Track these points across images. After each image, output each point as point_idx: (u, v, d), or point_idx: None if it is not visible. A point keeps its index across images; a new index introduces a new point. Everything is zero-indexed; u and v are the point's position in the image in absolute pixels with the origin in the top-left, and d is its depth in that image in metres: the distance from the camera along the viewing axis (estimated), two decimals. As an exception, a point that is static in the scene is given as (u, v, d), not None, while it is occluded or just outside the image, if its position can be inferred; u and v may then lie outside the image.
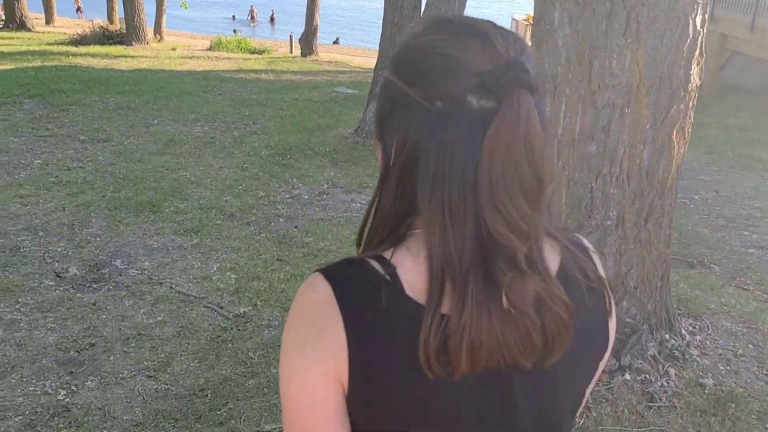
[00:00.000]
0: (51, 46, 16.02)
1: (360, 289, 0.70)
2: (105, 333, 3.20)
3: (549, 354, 0.70)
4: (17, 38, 17.35)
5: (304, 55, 17.25)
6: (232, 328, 3.35)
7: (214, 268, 4.03)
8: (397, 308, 0.68)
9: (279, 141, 7.46)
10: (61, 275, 3.76)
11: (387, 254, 0.72)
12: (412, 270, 0.70)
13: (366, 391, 0.69)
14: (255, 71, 13.88)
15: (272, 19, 41.48)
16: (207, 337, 3.26)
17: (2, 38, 17.16)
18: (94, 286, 3.69)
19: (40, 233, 4.36)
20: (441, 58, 0.67)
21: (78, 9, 29.92)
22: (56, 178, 5.57)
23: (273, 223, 4.91)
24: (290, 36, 19.77)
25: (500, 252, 0.66)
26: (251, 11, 41.97)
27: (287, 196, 5.57)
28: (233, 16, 40.52)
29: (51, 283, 3.68)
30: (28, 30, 19.10)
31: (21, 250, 4.06)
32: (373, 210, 0.75)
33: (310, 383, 0.70)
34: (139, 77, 11.67)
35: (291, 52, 19.13)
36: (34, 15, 21.73)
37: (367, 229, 0.76)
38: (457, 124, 0.65)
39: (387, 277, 0.69)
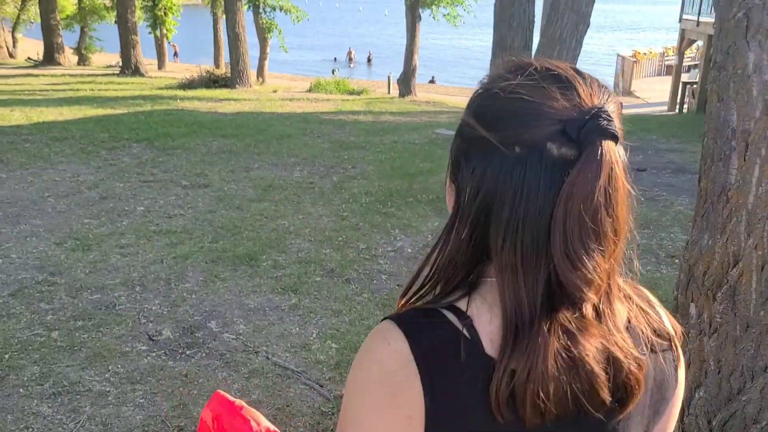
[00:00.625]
0: (161, 91, 16.80)
1: (437, 345, 0.67)
2: (195, 413, 2.87)
3: (620, 407, 0.70)
4: (132, 83, 18.38)
5: (402, 95, 17.15)
6: (333, 413, 2.93)
7: (314, 335, 3.66)
8: (474, 366, 0.66)
9: (379, 187, 7.14)
10: (154, 338, 3.51)
11: (461, 304, 0.70)
12: (489, 323, 0.68)
13: None
14: (354, 112, 13.84)
15: (369, 60, 42.30)
16: (305, 423, 2.86)
17: (119, 83, 18.23)
18: (187, 352, 3.40)
19: (137, 288, 4.17)
20: (522, 104, 0.67)
21: (175, 54, 31.76)
22: (157, 226, 5.47)
23: (375, 281, 4.52)
24: (388, 77, 19.80)
25: (568, 301, 0.65)
26: (349, 53, 43.03)
27: (389, 249, 5.19)
28: (335, 57, 41.67)
29: (143, 347, 3.43)
30: (142, 75, 20.24)
31: (116, 308, 3.87)
32: (435, 255, 0.72)
33: None
34: (242, 120, 11.85)
35: (389, 92, 19.14)
36: (147, 61, 23.12)
37: (423, 277, 0.74)
38: (535, 171, 0.65)
39: (464, 330, 0.67)
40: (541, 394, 0.64)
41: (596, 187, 0.63)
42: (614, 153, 0.64)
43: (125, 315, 3.78)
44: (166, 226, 5.47)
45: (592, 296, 0.65)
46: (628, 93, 22.87)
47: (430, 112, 14.69)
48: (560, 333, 0.65)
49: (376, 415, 0.68)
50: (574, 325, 0.65)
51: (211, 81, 17.79)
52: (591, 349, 0.65)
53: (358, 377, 0.70)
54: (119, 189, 6.64)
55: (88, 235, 5.10)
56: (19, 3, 28.08)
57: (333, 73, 33.94)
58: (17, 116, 11.26)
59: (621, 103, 0.70)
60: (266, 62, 20.78)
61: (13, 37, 29.03)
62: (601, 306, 0.67)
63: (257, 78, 20.02)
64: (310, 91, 18.51)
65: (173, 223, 5.57)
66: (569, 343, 0.65)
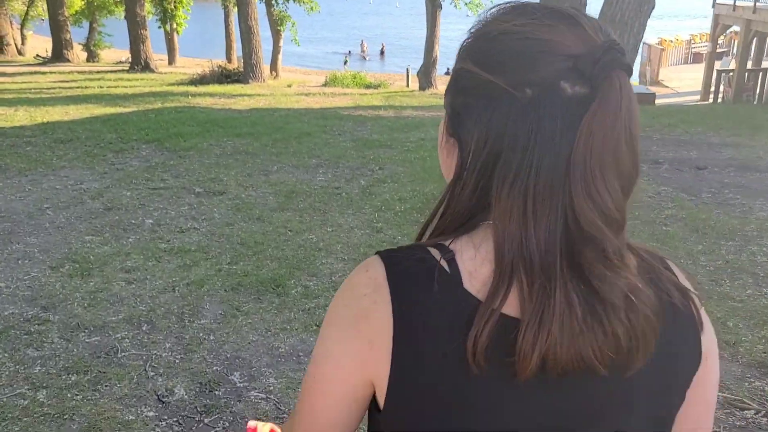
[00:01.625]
0: (172, 87, 16.16)
1: (414, 274, 0.66)
2: None
3: (632, 359, 0.64)
4: (142, 80, 17.75)
5: (422, 88, 16.39)
6: None
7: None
8: (449, 297, 0.65)
9: (413, 192, 6.42)
10: (164, 399, 2.82)
11: (446, 242, 0.68)
12: (471, 259, 0.67)
13: (406, 381, 0.65)
14: (373, 107, 13.11)
15: (382, 53, 41.54)
16: None
17: (128, 80, 17.61)
18: (206, 420, 2.70)
19: (144, 326, 3.49)
20: (528, 43, 0.63)
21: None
22: (168, 243, 4.78)
23: (424, 310, 3.81)
24: (407, 69, 19.03)
25: (589, 244, 0.62)
26: (362, 45, 42.28)
27: (435, 268, 4.47)
28: (349, 51, 41.00)
29: (150, 413, 2.74)
30: (152, 71, 19.61)
31: (118, 355, 3.18)
32: (441, 209, 0.71)
33: (338, 362, 0.68)
34: (257, 118, 11.16)
35: (407, 85, 18.39)
36: (158, 56, 22.49)
37: (431, 228, 0.73)
38: (550, 110, 0.62)
39: (443, 263, 0.66)
40: (552, 345, 0.60)
41: (617, 122, 0.60)
42: (629, 85, 0.62)
43: (129, 365, 3.10)
44: (177, 243, 4.78)
45: (613, 237, 0.62)
46: (656, 82, 21.92)
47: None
48: (581, 277, 0.62)
49: (338, 339, 0.68)
50: (596, 266, 0.61)
51: (224, 76, 17.13)
52: (615, 290, 0.61)
53: (334, 301, 0.71)
54: (126, 198, 5.96)
55: (88, 257, 4.42)
56: (28, -1, 27.57)
57: (345, 63, 33.26)
58: (21, 116, 10.64)
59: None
60: (280, 56, 20.09)
61: (22, 34, 28.51)
62: (621, 248, 0.62)
63: (270, 72, 19.34)
64: (325, 85, 17.78)
65: (186, 239, 4.88)
66: (592, 287, 0.61)
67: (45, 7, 23.92)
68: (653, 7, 5.52)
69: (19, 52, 26.21)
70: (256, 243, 4.82)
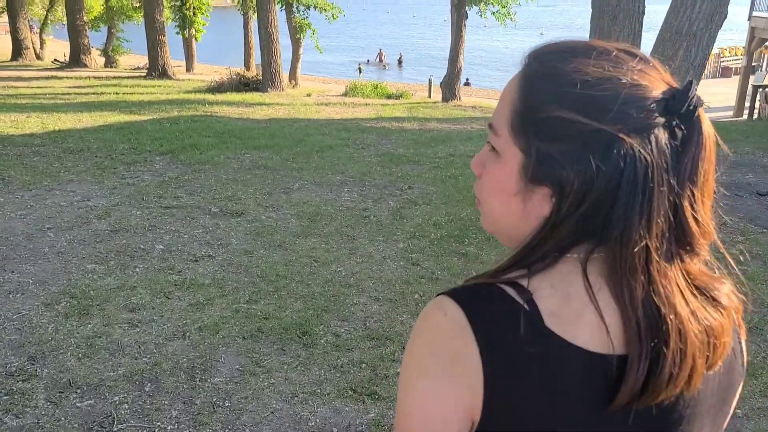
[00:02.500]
0: (189, 95, 15.74)
1: (495, 314, 0.66)
2: None
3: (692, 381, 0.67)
4: (159, 86, 17.36)
5: (445, 99, 15.84)
6: None
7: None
8: (535, 338, 0.64)
9: (448, 216, 5.85)
10: (167, 494, 2.27)
11: (522, 281, 0.67)
12: (550, 298, 0.66)
13: (502, 424, 0.65)
14: (396, 119, 12.57)
15: (400, 62, 41.16)
16: None
17: (145, 87, 17.23)
18: None
19: (147, 386, 2.93)
20: (629, 88, 0.65)
21: None
22: (179, 274, 4.25)
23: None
24: (429, 80, 18.49)
25: (690, 262, 0.67)
26: (380, 54, 41.93)
27: (481, 311, 3.89)
28: (367, 60, 40.72)
29: None
30: (170, 78, 19.24)
31: (114, 429, 2.63)
32: (525, 252, 0.69)
33: (440, 415, 0.66)
34: (276, 128, 10.67)
35: (429, 96, 17.84)
36: (175, 63, 22.16)
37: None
38: (653, 150, 0.63)
39: (524, 304, 0.65)
40: (663, 382, 0.64)
41: (711, 154, 0.65)
42: (707, 118, 0.66)
43: (127, 441, 2.55)
44: (190, 275, 4.25)
45: (705, 251, 0.67)
46: (686, 97, 21.17)
47: (480, 119, 13.35)
48: (693, 295, 0.66)
49: (435, 387, 0.66)
50: (700, 281, 0.67)
51: (242, 84, 16.69)
52: (716, 313, 0.67)
53: (415, 351, 0.69)
54: (135, 218, 5.45)
55: (88, 291, 3.89)
56: (47, 3, 27.44)
57: (359, 72, 32.84)
58: (32, 123, 10.22)
59: None
60: (299, 64, 19.65)
61: (41, 39, 28.39)
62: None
63: (289, 81, 18.90)
64: (345, 94, 17.29)
65: (199, 270, 4.35)
66: (700, 304, 0.66)
67: (65, 11, 23.70)
68: (725, 17, 4.93)
69: (38, 57, 26.03)
70: (278, 276, 4.27)
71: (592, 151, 0.64)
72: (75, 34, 22.13)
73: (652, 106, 0.64)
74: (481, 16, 15.01)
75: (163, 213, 5.64)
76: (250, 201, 6.15)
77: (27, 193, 6.10)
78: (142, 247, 4.77)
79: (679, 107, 0.64)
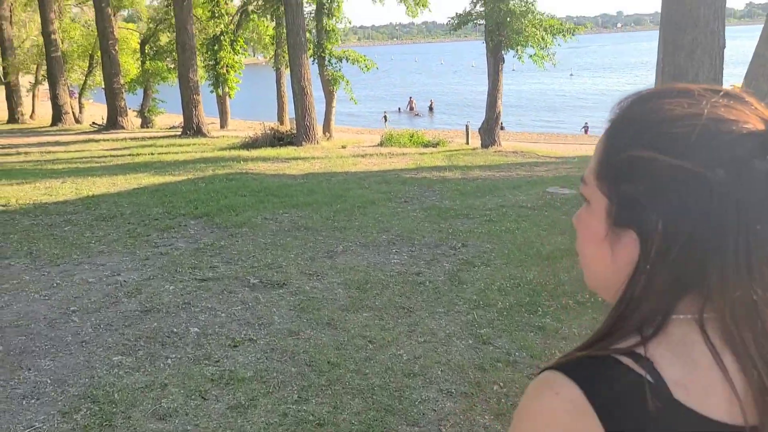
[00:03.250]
0: (224, 152, 15.57)
1: (618, 390, 0.60)
2: None
3: None
4: (193, 144, 17.29)
5: (484, 145, 15.33)
6: None
7: None
8: (665, 414, 0.59)
9: (512, 280, 5.21)
10: None
11: (638, 349, 0.62)
12: (672, 366, 0.61)
13: None
14: (437, 168, 12.07)
15: (431, 109, 41.16)
16: None
17: (180, 146, 17.17)
18: None
19: None
20: (713, 123, 0.62)
21: None
22: (216, 366, 3.68)
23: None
24: (466, 126, 18.04)
25: None
26: (410, 102, 42.01)
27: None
28: (399, 108, 40.89)
29: None
30: (204, 135, 19.22)
31: None
32: (622, 310, 0.65)
33: None
34: (313, 184, 10.24)
35: (467, 143, 17.36)
36: (210, 120, 22.25)
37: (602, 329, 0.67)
38: (749, 187, 0.61)
39: (647, 374, 0.60)
40: None
41: None
42: None
43: None
44: (229, 366, 3.68)
45: None
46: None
47: (524, 165, 12.76)
48: None
49: None
50: None
51: (276, 139, 16.49)
52: None
53: (526, 430, 0.62)
54: (168, 294, 4.95)
55: (113, 393, 3.34)
56: (86, 69, 28.13)
57: (385, 120, 32.69)
58: (67, 189, 9.99)
59: None
60: (333, 116, 19.46)
61: (80, 103, 29.04)
62: None
63: (323, 133, 18.68)
64: (381, 144, 16.91)
65: (239, 359, 3.78)
66: None
67: (102, 76, 24.18)
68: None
69: (77, 121, 26.54)
70: (330, 364, 3.67)
71: (673, 190, 0.62)
72: (112, 97, 22.47)
73: (742, 140, 0.61)
74: (518, 59, 14.57)
75: (198, 287, 5.13)
76: (291, 268, 5.62)
77: (54, 269, 5.68)
78: (175, 330, 4.24)
79: None
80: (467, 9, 14.44)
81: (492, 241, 6.52)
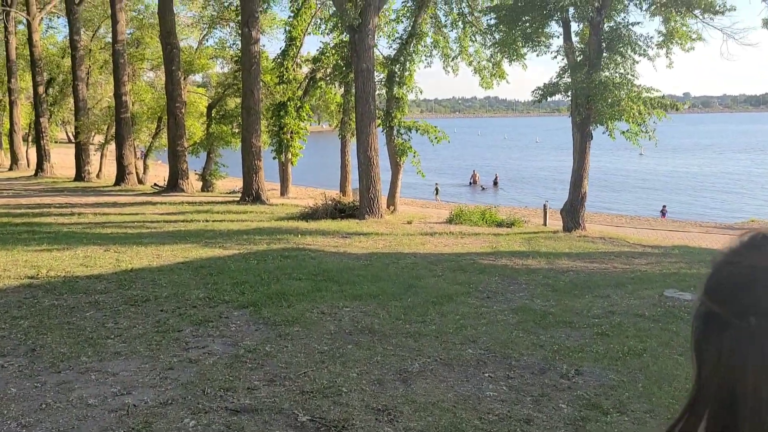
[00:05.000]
0: (282, 222, 14.56)
1: None
2: None
3: None
4: (251, 212, 16.41)
5: (567, 229, 13.76)
6: None
7: None
8: None
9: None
10: None
11: None
12: None
13: None
14: (517, 255, 10.55)
15: (496, 183, 39.87)
16: None
17: (236, 212, 16.31)
18: None
19: None
20: (746, 271, 0.65)
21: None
22: None
23: None
24: (544, 206, 16.53)
25: None
26: (474, 176, 40.93)
27: None
28: (469, 182, 40.11)
29: None
30: (263, 203, 18.39)
31: None
32: None
33: None
34: (379, 267, 8.91)
35: (545, 224, 15.82)
36: (270, 185, 21.55)
37: None
38: None
39: None
40: None
41: None
42: None
43: None
44: None
45: None
46: None
47: (619, 255, 11.07)
48: None
49: None
50: None
51: (337, 210, 15.40)
52: None
53: None
54: (186, 436, 3.59)
55: None
56: (153, 130, 28.34)
57: (436, 193, 31.41)
58: (106, 260, 9.00)
59: None
60: (398, 188, 18.35)
61: (144, 164, 29.16)
62: None
63: (387, 206, 17.52)
64: (450, 221, 15.58)
65: None
66: None
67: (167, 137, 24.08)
68: None
69: (140, 181, 26.47)
70: None
71: (717, 333, 0.64)
72: (175, 159, 22.16)
73: None
74: (609, 135, 13.13)
75: (228, 424, 3.75)
76: (354, 399, 4.19)
77: (52, 377, 4.43)
78: None
79: None
80: (553, 80, 13.22)
81: (616, 367, 4.94)
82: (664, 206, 27.30)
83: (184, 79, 25.36)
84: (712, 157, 55.74)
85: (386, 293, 7.20)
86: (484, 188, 38.50)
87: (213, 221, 14.32)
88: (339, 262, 9.24)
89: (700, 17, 13.63)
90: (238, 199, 19.14)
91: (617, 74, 12.33)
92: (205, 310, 6.35)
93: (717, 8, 13.31)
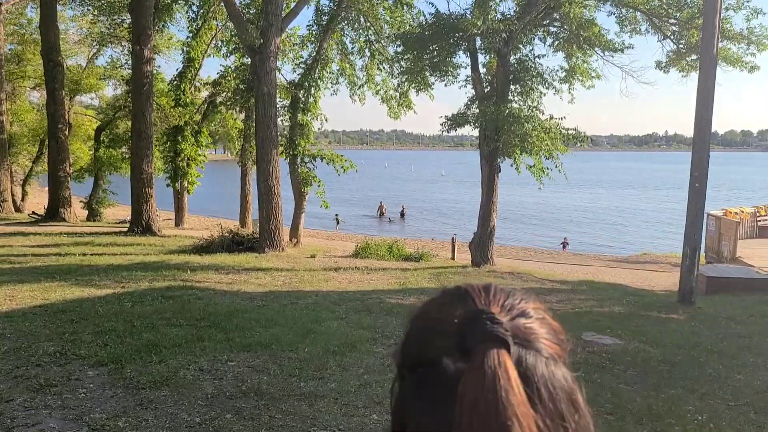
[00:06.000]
0: (171, 256, 13.20)
1: None
2: None
3: None
4: (138, 245, 14.87)
5: (476, 264, 13.31)
6: None
7: None
8: None
9: None
10: None
11: None
12: None
13: None
14: (426, 292, 9.86)
15: (402, 215, 39.61)
16: None
17: (122, 245, 14.72)
18: None
19: None
20: (421, 323, 0.64)
21: None
22: None
23: None
24: (452, 239, 16.08)
25: None
26: (380, 207, 40.54)
27: None
28: (378, 213, 39.47)
29: None
30: (154, 234, 16.86)
31: None
32: None
33: None
34: (274, 309, 7.94)
35: (453, 257, 15.35)
36: (164, 215, 19.98)
37: None
38: (431, 391, 0.59)
39: None
40: None
41: (483, 400, 0.55)
42: (502, 358, 0.56)
43: None
44: None
45: None
46: (734, 259, 18.85)
47: (536, 291, 10.65)
48: None
49: None
50: None
51: (235, 243, 14.24)
52: None
53: None
54: None
55: None
56: (35, 154, 25.91)
57: (337, 223, 30.48)
58: (-56, 303, 7.46)
59: (543, 309, 0.64)
60: (302, 220, 17.39)
61: (23, 190, 26.54)
62: None
63: (290, 239, 16.50)
64: (356, 255, 14.79)
65: None
66: None
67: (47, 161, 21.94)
68: None
69: (18, 209, 23.94)
70: None
71: (398, 385, 0.65)
72: (55, 185, 20.13)
73: (441, 341, 0.62)
74: (515, 169, 12.89)
75: None
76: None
77: None
78: None
79: (464, 344, 0.61)
80: (461, 110, 12.86)
81: None
82: (565, 238, 27.83)
83: (70, 99, 23.36)
84: (601, 193, 58.46)
85: (280, 342, 6.25)
86: (391, 220, 38.11)
87: (92, 254, 12.75)
88: (229, 304, 8.18)
89: (600, 54, 13.82)
90: (126, 229, 17.49)
91: (525, 106, 12.15)
92: (52, 369, 5.15)
93: (617, 46, 13.53)
